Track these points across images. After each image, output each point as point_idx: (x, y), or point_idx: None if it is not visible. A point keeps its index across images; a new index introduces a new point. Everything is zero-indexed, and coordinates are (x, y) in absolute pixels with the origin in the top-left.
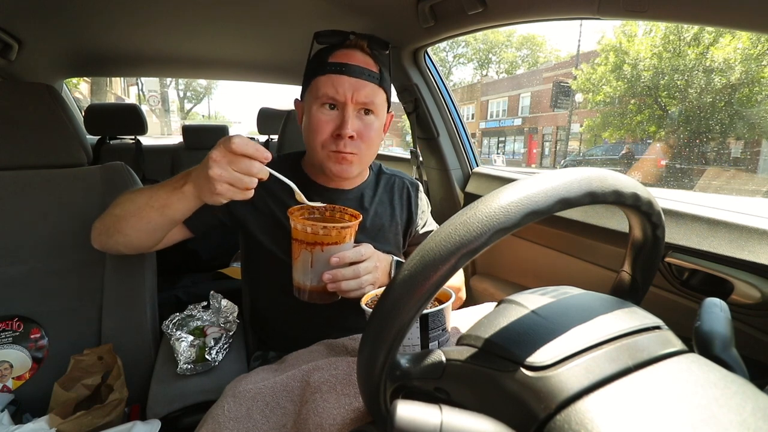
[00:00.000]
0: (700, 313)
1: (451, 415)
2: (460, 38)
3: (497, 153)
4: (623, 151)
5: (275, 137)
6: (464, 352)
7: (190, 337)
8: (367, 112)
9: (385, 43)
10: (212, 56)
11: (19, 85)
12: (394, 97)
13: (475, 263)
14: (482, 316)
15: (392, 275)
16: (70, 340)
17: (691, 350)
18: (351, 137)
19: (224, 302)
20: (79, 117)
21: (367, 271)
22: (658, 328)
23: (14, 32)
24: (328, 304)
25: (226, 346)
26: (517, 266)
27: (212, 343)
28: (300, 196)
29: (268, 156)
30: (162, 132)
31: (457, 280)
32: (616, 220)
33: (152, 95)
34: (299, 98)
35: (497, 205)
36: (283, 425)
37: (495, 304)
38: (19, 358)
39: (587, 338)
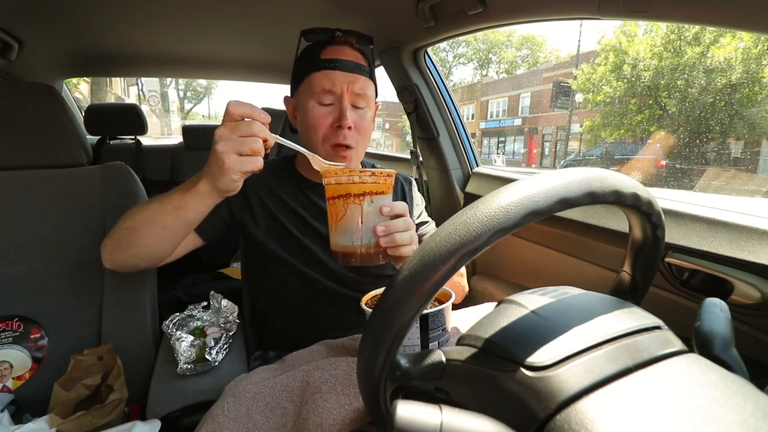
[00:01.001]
0: (700, 313)
1: (451, 415)
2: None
3: (497, 153)
4: (623, 152)
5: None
6: (464, 352)
7: (190, 337)
8: (360, 104)
9: (369, 39)
10: (212, 56)
11: (19, 85)
12: (394, 97)
13: (475, 263)
14: (482, 316)
15: None
16: (70, 340)
17: (691, 350)
18: (350, 128)
19: (224, 302)
20: (79, 117)
21: (411, 226)
22: (658, 328)
23: (14, 32)
24: (328, 304)
25: (226, 346)
26: (517, 266)
27: (212, 343)
28: (317, 159)
29: (266, 117)
30: (162, 132)
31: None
32: (616, 220)
33: (152, 95)
34: (289, 95)
35: (497, 205)
36: (283, 425)
37: (495, 304)
38: (19, 358)
39: (587, 338)
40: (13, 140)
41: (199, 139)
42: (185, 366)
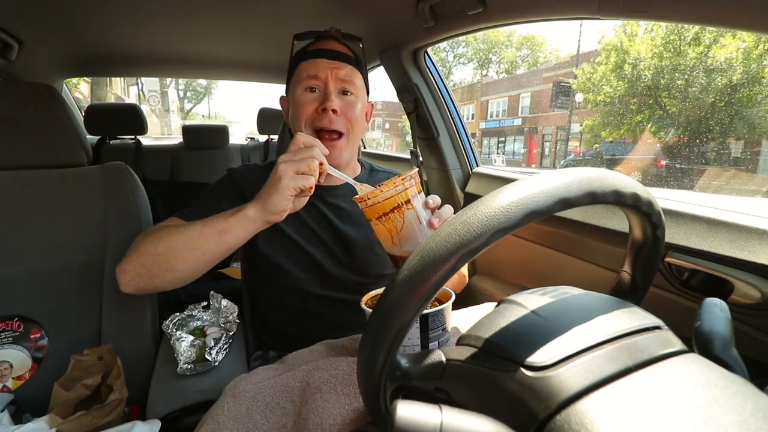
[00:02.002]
0: (700, 313)
1: (451, 415)
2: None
3: (497, 153)
4: (623, 151)
5: (275, 137)
6: (464, 352)
7: (191, 337)
8: (347, 92)
9: (357, 38)
10: (212, 56)
11: (19, 85)
12: (394, 97)
13: (475, 263)
14: (482, 316)
15: None
16: (70, 340)
17: (691, 350)
18: (335, 111)
19: (224, 302)
20: (79, 117)
21: (452, 210)
22: (658, 328)
23: (14, 32)
24: (328, 306)
25: (226, 346)
26: (517, 266)
27: (212, 343)
28: (361, 186)
29: (326, 150)
30: (162, 132)
31: None
32: (616, 220)
33: (152, 95)
34: (285, 95)
35: (497, 205)
36: (283, 425)
37: (495, 304)
38: (19, 358)
39: (587, 338)
40: (13, 140)
41: (199, 139)
42: (185, 366)
